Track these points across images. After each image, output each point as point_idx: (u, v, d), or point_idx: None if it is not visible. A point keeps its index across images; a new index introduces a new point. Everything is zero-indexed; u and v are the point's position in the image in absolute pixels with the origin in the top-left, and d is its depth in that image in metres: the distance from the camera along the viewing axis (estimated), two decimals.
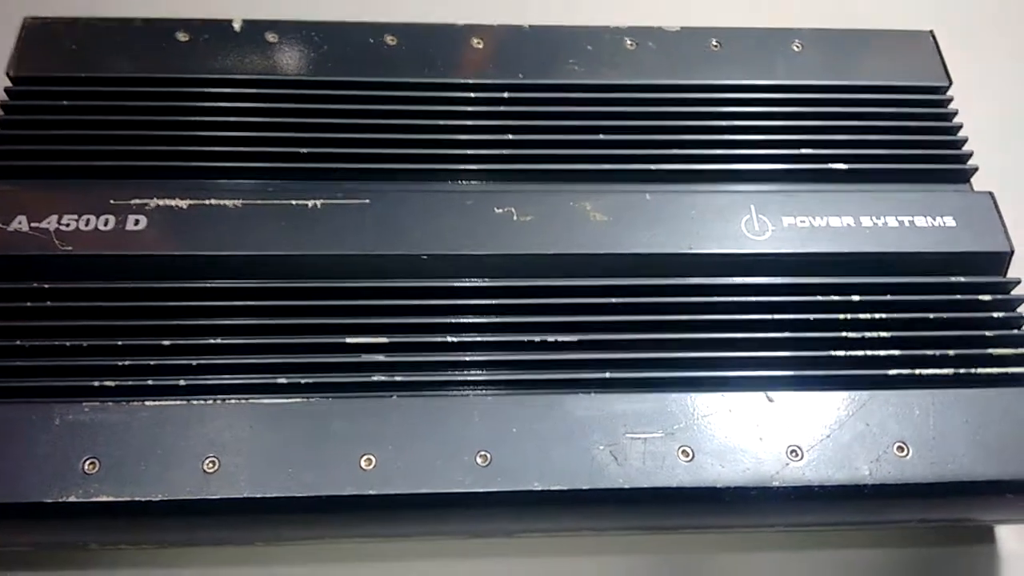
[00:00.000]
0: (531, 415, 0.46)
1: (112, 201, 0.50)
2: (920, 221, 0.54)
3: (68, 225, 0.49)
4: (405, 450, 0.44)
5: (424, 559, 0.52)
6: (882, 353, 0.49)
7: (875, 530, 0.54)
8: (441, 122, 0.56)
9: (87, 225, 0.49)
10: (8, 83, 0.55)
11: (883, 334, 0.50)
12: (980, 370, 0.49)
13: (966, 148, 0.57)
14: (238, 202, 0.51)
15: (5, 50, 0.56)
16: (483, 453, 0.45)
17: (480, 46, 0.59)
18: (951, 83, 0.60)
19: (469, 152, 0.55)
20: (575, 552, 0.52)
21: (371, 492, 0.43)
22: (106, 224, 0.49)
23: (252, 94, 0.56)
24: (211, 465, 0.43)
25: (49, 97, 0.54)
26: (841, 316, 0.50)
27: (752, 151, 0.56)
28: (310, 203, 0.51)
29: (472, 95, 0.57)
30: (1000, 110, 0.71)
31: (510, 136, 0.55)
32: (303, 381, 0.46)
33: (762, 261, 0.52)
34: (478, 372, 0.47)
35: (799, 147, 0.56)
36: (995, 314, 0.51)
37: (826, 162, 0.56)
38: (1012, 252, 0.53)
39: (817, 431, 0.47)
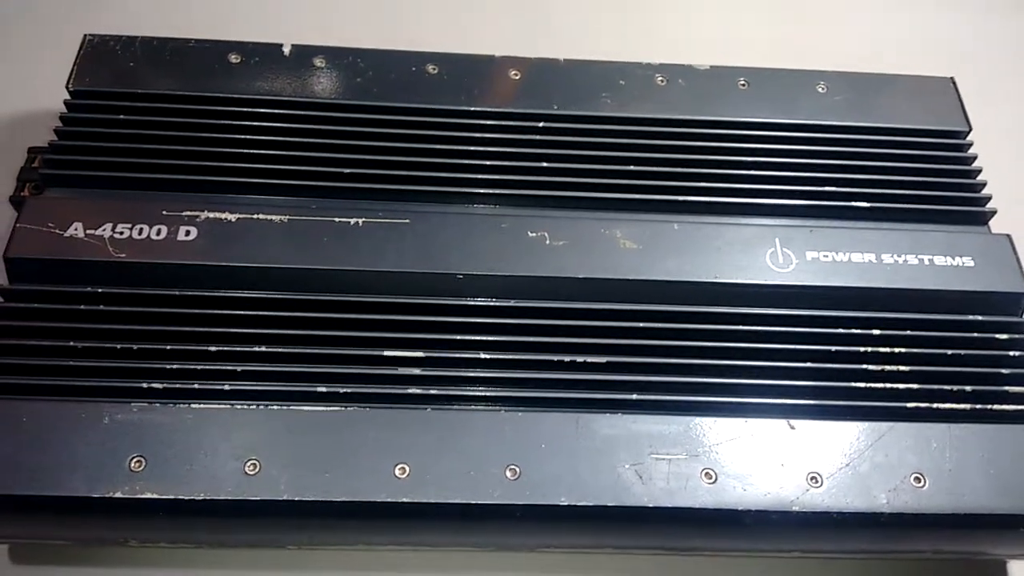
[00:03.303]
0: (560, 432, 0.47)
1: (164, 212, 0.52)
2: (940, 260, 0.55)
3: (122, 233, 0.51)
4: (438, 461, 0.46)
5: (450, 571, 0.53)
6: (901, 386, 0.51)
7: (890, 559, 0.55)
8: (478, 148, 0.58)
9: (140, 234, 0.51)
10: (68, 96, 0.57)
11: (902, 368, 0.51)
12: (996, 406, 0.51)
13: (985, 191, 0.59)
14: (284, 217, 0.53)
15: (66, 65, 0.58)
16: (513, 467, 0.46)
17: (517, 77, 0.62)
18: (971, 128, 0.62)
19: (505, 178, 0.57)
20: (597, 569, 0.54)
21: (404, 500, 0.45)
22: (158, 234, 0.52)
23: (299, 115, 0.58)
24: (252, 467, 0.45)
25: (106, 111, 0.57)
26: (861, 349, 0.52)
27: (777, 187, 0.58)
28: (352, 221, 0.53)
29: (508, 123, 0.59)
30: (1018, 154, 0.73)
31: (544, 164, 0.58)
32: (342, 391, 0.48)
33: (785, 293, 0.53)
34: (509, 389, 0.49)
35: (823, 184, 0.58)
36: (1011, 353, 0.53)
37: (849, 200, 0.58)
38: None
39: (837, 459, 0.48)
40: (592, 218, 0.55)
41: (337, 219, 0.53)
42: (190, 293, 0.50)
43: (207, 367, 0.48)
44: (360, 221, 0.53)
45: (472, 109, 0.60)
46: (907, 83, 0.64)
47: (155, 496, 0.44)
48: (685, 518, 0.46)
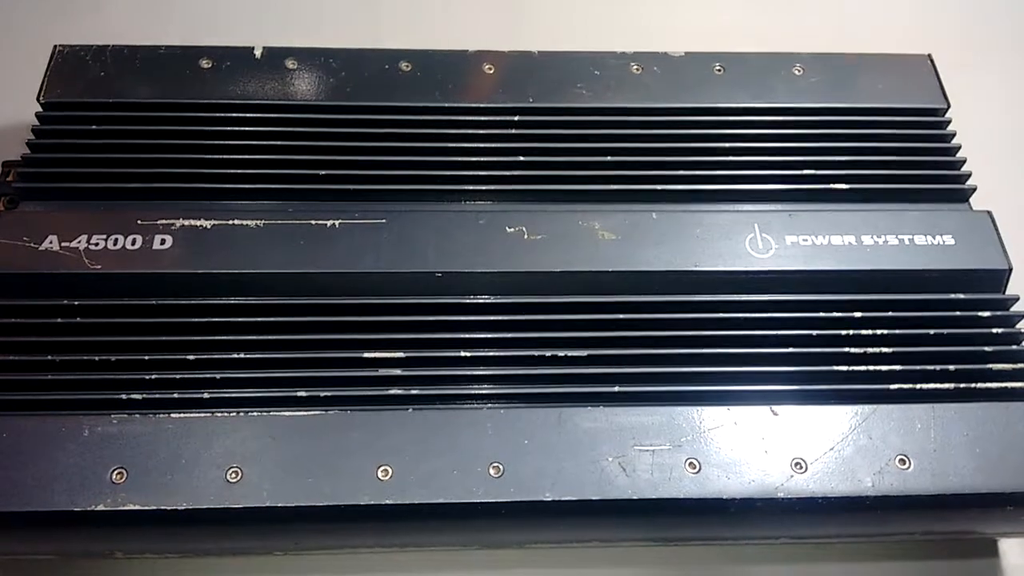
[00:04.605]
0: (542, 428, 0.47)
1: (139, 221, 0.52)
2: (920, 239, 0.55)
3: (97, 244, 0.51)
4: (421, 461, 0.46)
5: (437, 570, 0.53)
6: (884, 368, 0.51)
7: (878, 542, 0.55)
8: (454, 145, 0.57)
9: (115, 244, 0.51)
10: (39, 108, 0.57)
11: (885, 349, 0.51)
12: (980, 385, 0.50)
13: (964, 168, 0.59)
14: (259, 222, 0.53)
15: (36, 76, 0.58)
16: (496, 464, 0.46)
17: (491, 72, 0.61)
18: (949, 105, 0.62)
19: (481, 173, 0.57)
20: (584, 563, 0.54)
21: (388, 502, 0.45)
22: (133, 243, 0.51)
23: (272, 118, 0.58)
24: (234, 475, 0.45)
25: (78, 122, 0.57)
26: (843, 332, 0.52)
27: (755, 172, 0.58)
28: (328, 223, 0.53)
29: (484, 119, 0.59)
30: (997, 130, 0.73)
31: (521, 158, 0.57)
32: (322, 394, 0.48)
33: (766, 279, 0.53)
34: (491, 386, 0.49)
35: (801, 168, 0.58)
36: (994, 330, 0.52)
37: (828, 182, 0.58)
38: (1010, 270, 0.54)
39: (821, 444, 0.48)
40: (570, 211, 0.55)
41: (313, 222, 0.53)
42: (167, 302, 0.50)
43: (186, 376, 0.48)
44: (336, 223, 0.53)
45: (447, 105, 0.59)
46: (884, 62, 0.64)
47: (138, 507, 0.44)
48: (670, 509, 0.46)
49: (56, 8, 0.76)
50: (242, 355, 0.49)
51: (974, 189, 0.58)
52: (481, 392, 0.49)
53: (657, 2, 0.81)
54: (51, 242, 0.51)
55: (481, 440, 0.47)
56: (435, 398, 0.48)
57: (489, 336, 0.50)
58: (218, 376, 0.48)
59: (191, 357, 0.48)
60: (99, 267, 0.50)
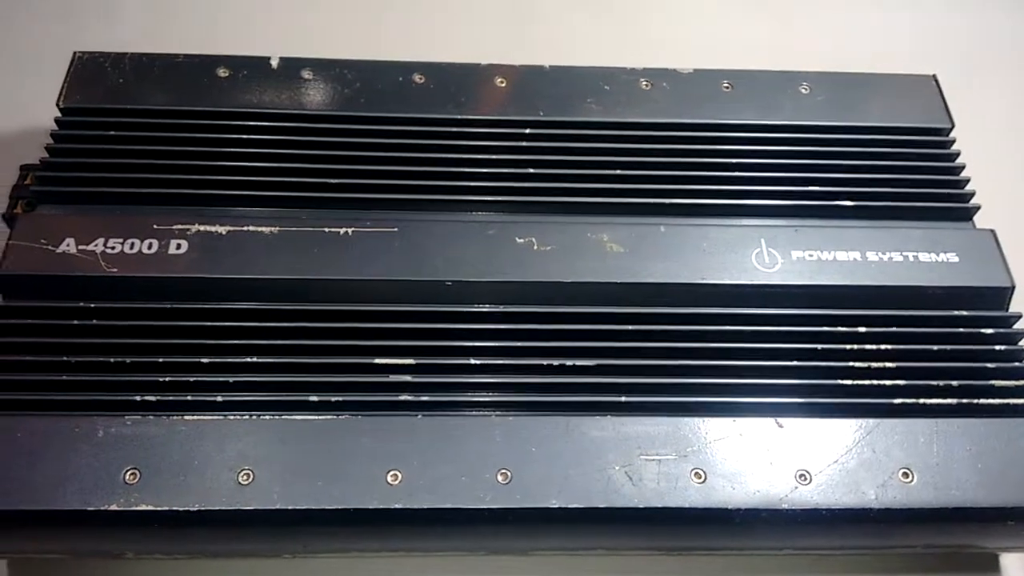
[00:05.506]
0: (550, 436, 0.48)
1: (155, 226, 0.53)
2: (924, 257, 0.56)
3: (114, 248, 0.52)
4: (429, 467, 0.46)
5: (443, 575, 0.53)
6: (888, 383, 0.51)
7: (881, 555, 0.55)
8: (465, 156, 0.58)
9: (132, 248, 0.52)
10: (58, 114, 0.58)
11: (888, 364, 0.52)
12: (982, 400, 0.51)
13: (968, 187, 0.60)
14: (274, 228, 0.53)
15: (56, 82, 0.59)
16: (504, 471, 0.47)
17: (503, 85, 0.62)
18: (953, 125, 0.62)
19: (492, 185, 0.57)
20: (589, 571, 0.54)
21: (396, 506, 0.45)
22: (150, 248, 0.52)
23: (288, 127, 0.59)
24: (245, 477, 0.45)
25: (97, 127, 0.58)
26: (848, 346, 0.52)
27: (762, 187, 0.59)
28: (341, 231, 0.54)
29: (495, 131, 0.60)
30: (1001, 150, 0.74)
31: (531, 170, 0.58)
32: (333, 399, 0.48)
33: (772, 292, 0.54)
34: (499, 394, 0.50)
35: (807, 184, 0.59)
36: (997, 347, 0.53)
37: (833, 199, 0.58)
38: (1013, 287, 0.55)
39: (825, 456, 0.48)
40: (579, 223, 0.56)
41: (327, 229, 0.54)
42: (182, 306, 0.51)
43: (199, 379, 0.48)
44: (349, 231, 0.54)
45: (459, 117, 0.60)
46: (889, 82, 0.65)
47: (150, 508, 0.44)
48: (676, 518, 0.47)
49: (75, 16, 0.77)
50: (255, 359, 0.49)
51: (978, 208, 0.59)
52: (490, 399, 0.49)
53: (667, 19, 0.83)
54: (68, 245, 0.52)
55: (489, 447, 0.47)
56: (444, 405, 0.49)
57: (498, 344, 0.51)
58: (231, 380, 0.48)
59: (204, 360, 0.49)
60: (115, 270, 0.51)
